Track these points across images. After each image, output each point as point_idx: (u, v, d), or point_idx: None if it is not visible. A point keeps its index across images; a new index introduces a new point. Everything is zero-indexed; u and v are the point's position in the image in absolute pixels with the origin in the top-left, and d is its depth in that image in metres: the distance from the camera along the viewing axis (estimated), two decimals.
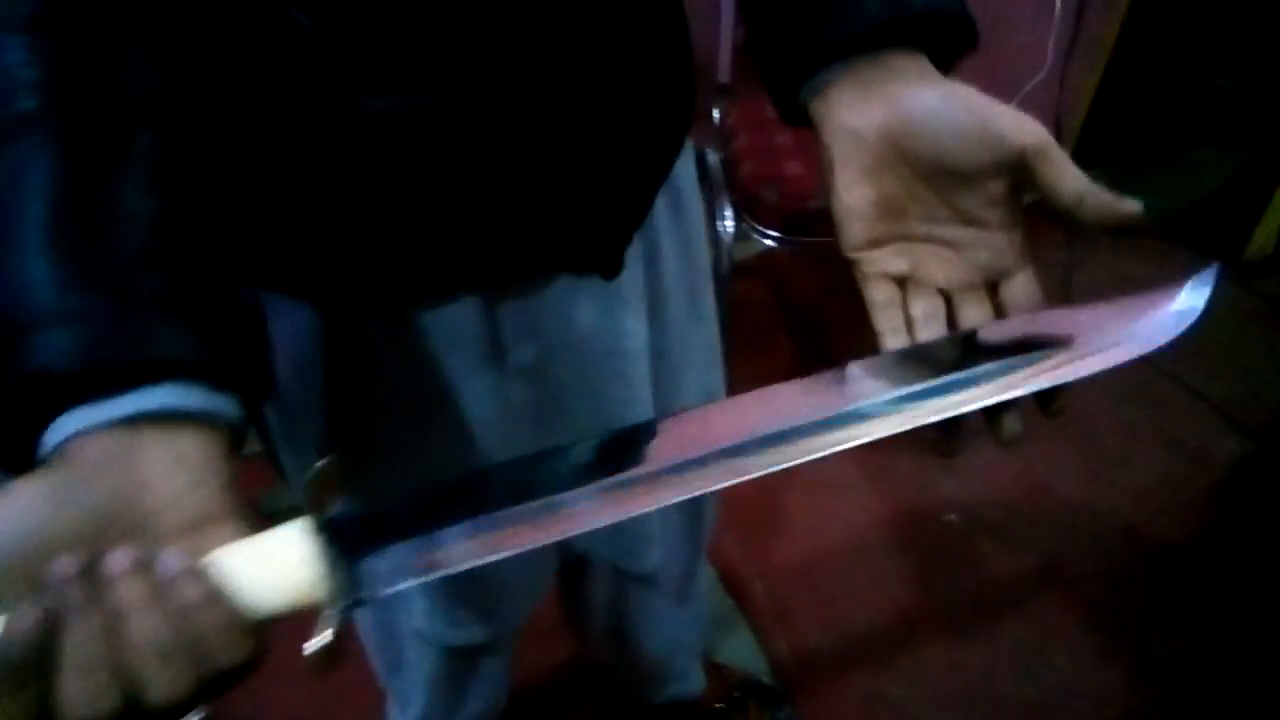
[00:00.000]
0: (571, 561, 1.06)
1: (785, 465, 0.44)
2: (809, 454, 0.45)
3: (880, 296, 0.54)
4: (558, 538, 0.42)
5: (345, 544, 0.41)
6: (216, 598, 0.38)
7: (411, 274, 0.64)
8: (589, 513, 0.43)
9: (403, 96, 0.54)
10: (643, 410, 0.81)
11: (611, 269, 0.70)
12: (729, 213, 1.77)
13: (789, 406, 0.46)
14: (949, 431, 1.86)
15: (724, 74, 1.90)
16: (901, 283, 0.54)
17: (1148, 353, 0.48)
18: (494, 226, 0.62)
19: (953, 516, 1.84)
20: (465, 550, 0.42)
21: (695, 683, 1.41)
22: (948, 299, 0.54)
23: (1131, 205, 0.48)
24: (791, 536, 1.81)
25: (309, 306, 0.66)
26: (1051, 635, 1.63)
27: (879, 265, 0.54)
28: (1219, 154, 2.81)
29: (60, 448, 0.39)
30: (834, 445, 0.45)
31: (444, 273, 0.65)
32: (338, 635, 0.39)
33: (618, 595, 1.14)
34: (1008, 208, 0.51)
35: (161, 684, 0.35)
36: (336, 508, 0.42)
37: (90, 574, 0.36)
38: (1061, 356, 0.48)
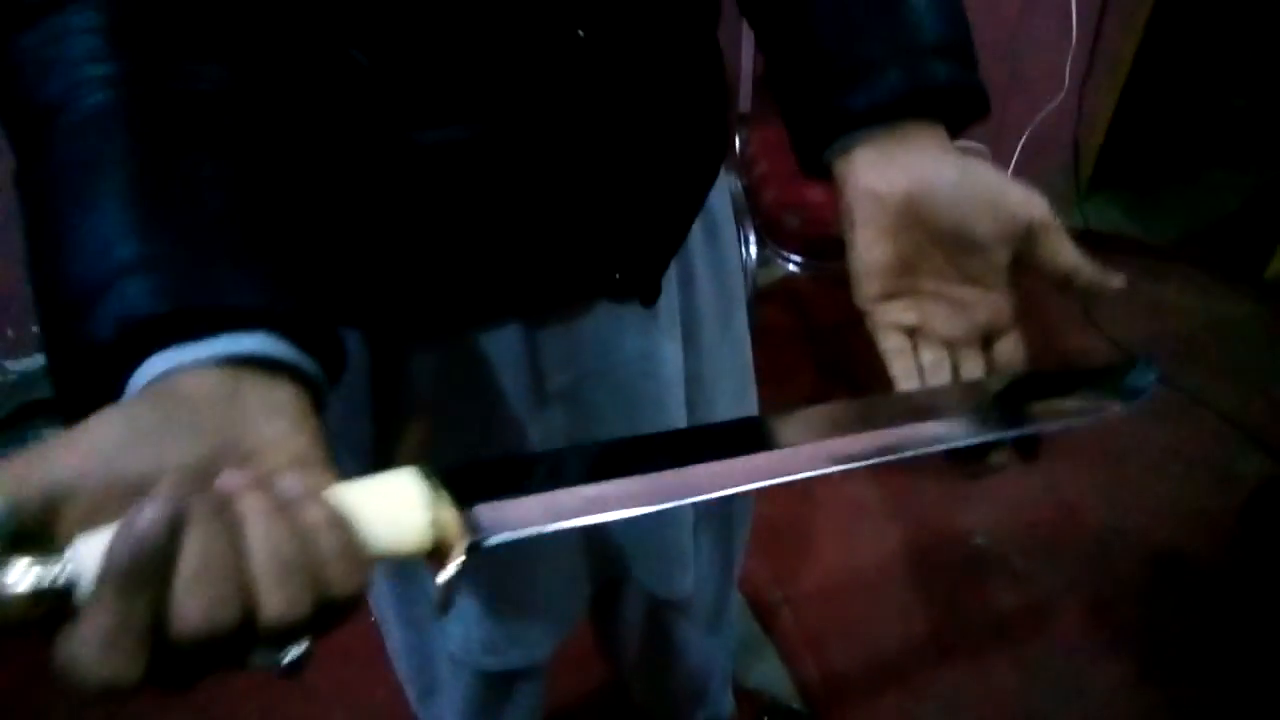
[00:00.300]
0: (605, 588, 1.06)
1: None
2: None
3: (893, 345, 0.59)
4: (666, 504, 0.44)
5: (458, 491, 0.41)
6: (338, 522, 0.37)
7: (457, 301, 0.65)
8: (698, 483, 0.45)
9: (451, 129, 0.56)
10: None
11: (650, 295, 0.72)
12: (752, 238, 1.78)
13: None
14: (973, 456, 1.86)
15: (745, 102, 1.91)
16: (910, 333, 0.59)
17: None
18: (537, 254, 0.64)
19: (980, 539, 1.83)
20: (580, 505, 0.43)
21: (725, 708, 1.40)
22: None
23: (1116, 280, 0.54)
24: (818, 562, 1.81)
25: (356, 333, 0.67)
26: (1082, 657, 1.62)
27: (891, 316, 0.59)
28: (1236, 174, 2.81)
29: (154, 383, 0.38)
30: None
31: (489, 299, 0.66)
32: (447, 584, 0.39)
33: (651, 622, 1.14)
34: (1006, 273, 0.56)
35: (278, 601, 0.34)
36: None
37: (209, 487, 0.35)
38: (1036, 410, 0.53)
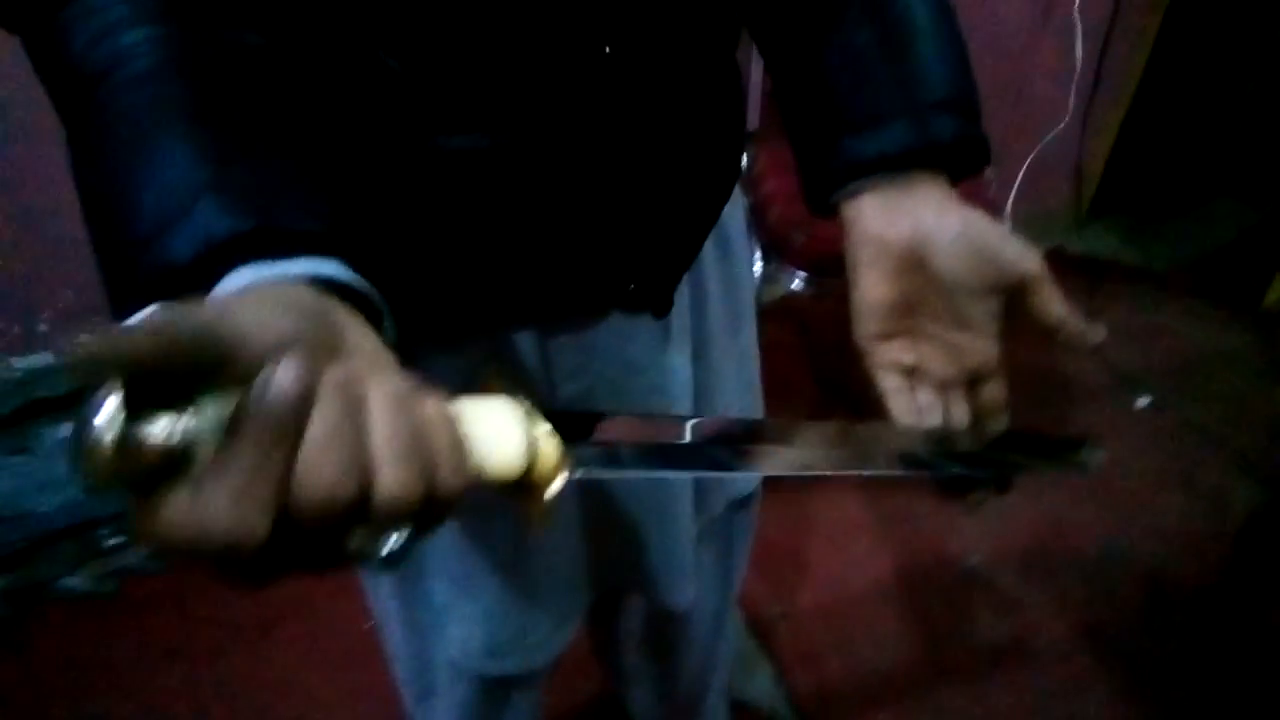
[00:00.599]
0: (605, 597, 1.07)
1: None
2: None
3: (891, 384, 0.62)
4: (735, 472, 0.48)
5: (555, 424, 0.42)
6: (448, 420, 0.38)
7: (474, 307, 0.66)
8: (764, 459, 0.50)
9: (474, 136, 0.57)
10: None
11: (663, 308, 0.73)
12: (757, 254, 1.79)
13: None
14: (956, 490, 1.88)
15: (752, 120, 1.93)
16: (907, 373, 0.62)
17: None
18: (554, 263, 0.65)
19: (974, 560, 1.84)
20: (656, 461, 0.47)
21: None
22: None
23: (1099, 333, 0.57)
24: (815, 578, 1.82)
25: None
26: (1075, 679, 1.62)
27: (890, 356, 0.62)
28: (1236, 204, 2.83)
29: (246, 288, 0.38)
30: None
31: (505, 306, 0.67)
32: (553, 500, 0.41)
33: (650, 633, 1.14)
34: (998, 321, 0.60)
35: (393, 480, 0.34)
36: None
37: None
38: (1000, 458, 0.62)
